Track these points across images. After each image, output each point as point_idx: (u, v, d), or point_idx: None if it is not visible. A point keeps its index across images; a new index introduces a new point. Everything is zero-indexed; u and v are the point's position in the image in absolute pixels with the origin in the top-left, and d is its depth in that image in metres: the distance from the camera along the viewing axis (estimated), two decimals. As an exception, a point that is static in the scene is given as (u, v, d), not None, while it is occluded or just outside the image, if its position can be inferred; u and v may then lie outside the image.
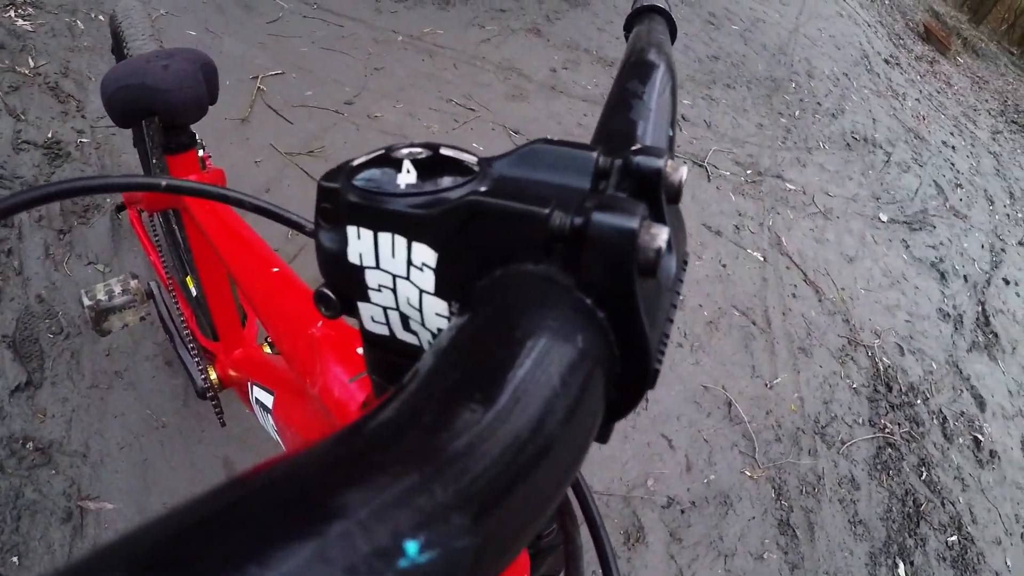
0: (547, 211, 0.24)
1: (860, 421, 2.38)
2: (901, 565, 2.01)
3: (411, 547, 0.13)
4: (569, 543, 0.41)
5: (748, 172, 3.29)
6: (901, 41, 6.22)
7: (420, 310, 0.28)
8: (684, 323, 2.35)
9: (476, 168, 0.27)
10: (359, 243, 0.27)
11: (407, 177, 0.26)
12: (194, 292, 1.34)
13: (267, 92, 2.46)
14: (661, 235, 0.22)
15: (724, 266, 2.67)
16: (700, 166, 3.16)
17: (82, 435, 1.45)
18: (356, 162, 0.27)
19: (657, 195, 0.27)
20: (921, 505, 2.21)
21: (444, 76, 2.94)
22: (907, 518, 2.15)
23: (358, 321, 0.31)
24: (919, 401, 2.59)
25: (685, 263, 0.31)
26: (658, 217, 0.27)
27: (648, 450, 1.94)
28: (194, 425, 1.53)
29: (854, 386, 2.49)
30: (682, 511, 1.85)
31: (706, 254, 2.68)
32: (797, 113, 4.06)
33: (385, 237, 0.26)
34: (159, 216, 1.44)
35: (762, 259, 2.80)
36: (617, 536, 1.72)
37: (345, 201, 0.26)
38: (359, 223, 0.27)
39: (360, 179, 0.26)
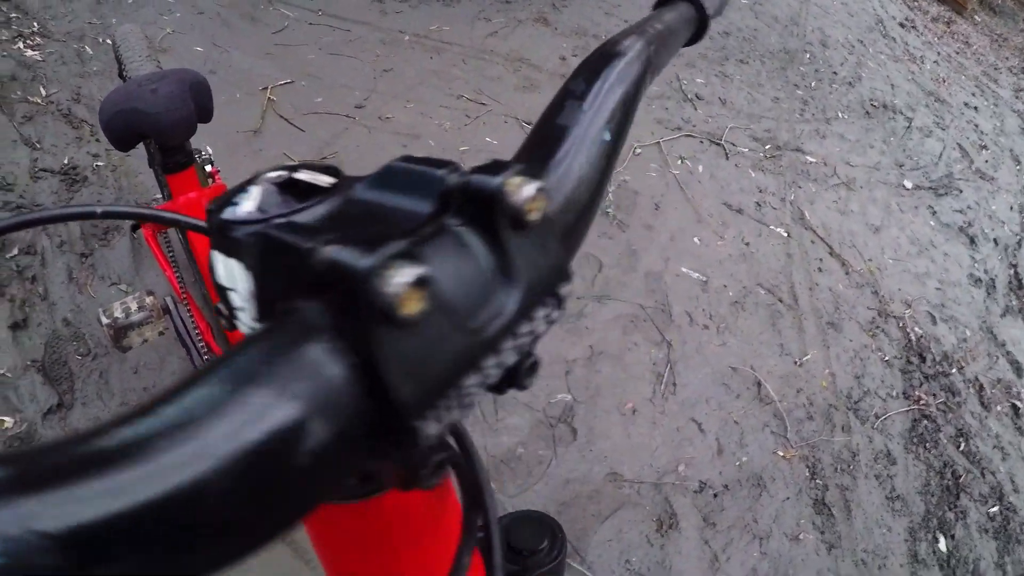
0: (309, 246, 0.22)
1: (894, 394, 2.34)
2: (942, 539, 1.98)
3: None
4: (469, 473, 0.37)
5: (767, 147, 3.24)
6: (915, 3, 6.07)
7: None
8: (709, 304, 2.33)
9: (329, 189, 0.27)
10: (220, 266, 0.27)
11: (248, 204, 0.26)
12: (211, 304, 1.35)
13: (277, 102, 2.47)
14: (400, 277, 0.20)
15: (747, 244, 2.64)
16: (717, 144, 3.12)
17: (115, 453, 1.47)
18: (232, 188, 0.28)
19: (494, 221, 0.25)
20: (960, 477, 2.17)
21: (453, 72, 2.94)
22: (946, 491, 2.11)
23: None
24: (954, 370, 2.54)
25: (559, 301, 0.27)
26: (495, 247, 0.25)
27: (678, 435, 1.92)
28: (223, 437, 1.55)
29: (886, 359, 2.44)
30: (715, 495, 1.83)
31: (728, 233, 2.65)
32: (813, 84, 3.99)
33: (230, 263, 0.27)
34: (178, 231, 1.45)
35: (785, 235, 2.76)
36: (649, 523, 1.71)
37: (210, 224, 0.27)
38: (216, 247, 0.27)
39: (217, 204, 0.27)
